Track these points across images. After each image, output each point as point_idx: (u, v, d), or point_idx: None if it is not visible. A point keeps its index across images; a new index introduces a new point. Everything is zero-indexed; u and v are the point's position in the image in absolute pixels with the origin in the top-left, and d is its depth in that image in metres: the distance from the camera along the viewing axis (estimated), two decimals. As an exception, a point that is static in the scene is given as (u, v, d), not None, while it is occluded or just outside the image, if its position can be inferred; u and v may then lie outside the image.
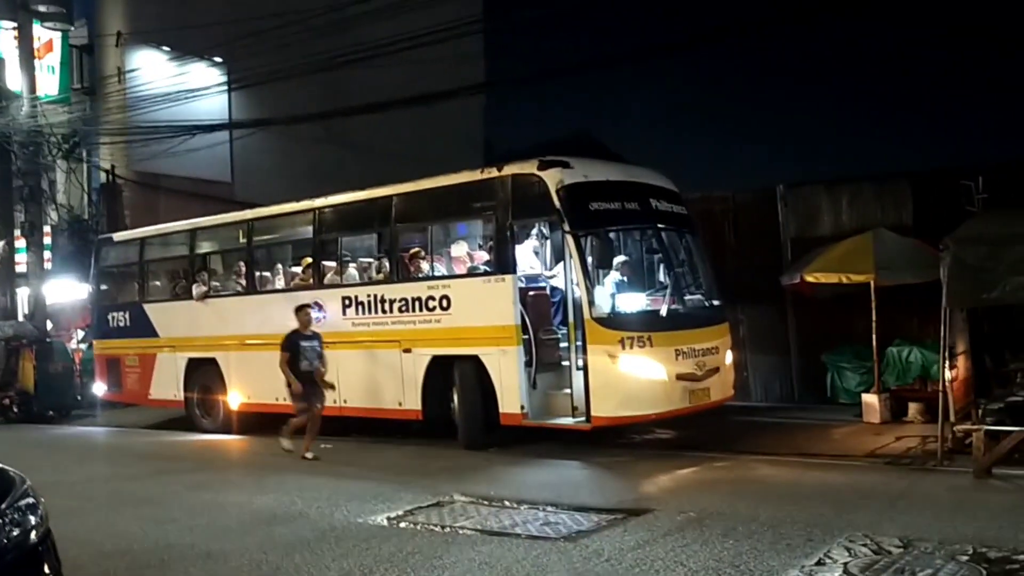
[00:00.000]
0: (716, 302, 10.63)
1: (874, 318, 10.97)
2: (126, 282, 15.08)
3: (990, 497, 7.22)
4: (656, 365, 9.36)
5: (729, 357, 10.48)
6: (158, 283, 14.58)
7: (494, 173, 10.14)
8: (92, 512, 8.01)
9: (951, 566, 5.31)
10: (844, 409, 11.65)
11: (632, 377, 9.27)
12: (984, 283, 8.18)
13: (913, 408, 10.93)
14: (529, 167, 9.85)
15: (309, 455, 10.11)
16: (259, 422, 12.32)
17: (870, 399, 11.11)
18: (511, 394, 9.74)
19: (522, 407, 9.69)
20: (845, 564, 5.41)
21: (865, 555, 5.59)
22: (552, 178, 9.62)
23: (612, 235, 10.12)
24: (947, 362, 8.74)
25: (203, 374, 13.19)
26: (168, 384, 13.66)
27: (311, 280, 12.10)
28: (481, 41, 23.97)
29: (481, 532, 6.67)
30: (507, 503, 7.54)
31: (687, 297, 10.31)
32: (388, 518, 7.24)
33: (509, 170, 10.02)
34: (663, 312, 9.83)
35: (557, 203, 9.53)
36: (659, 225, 10.38)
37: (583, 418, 9.38)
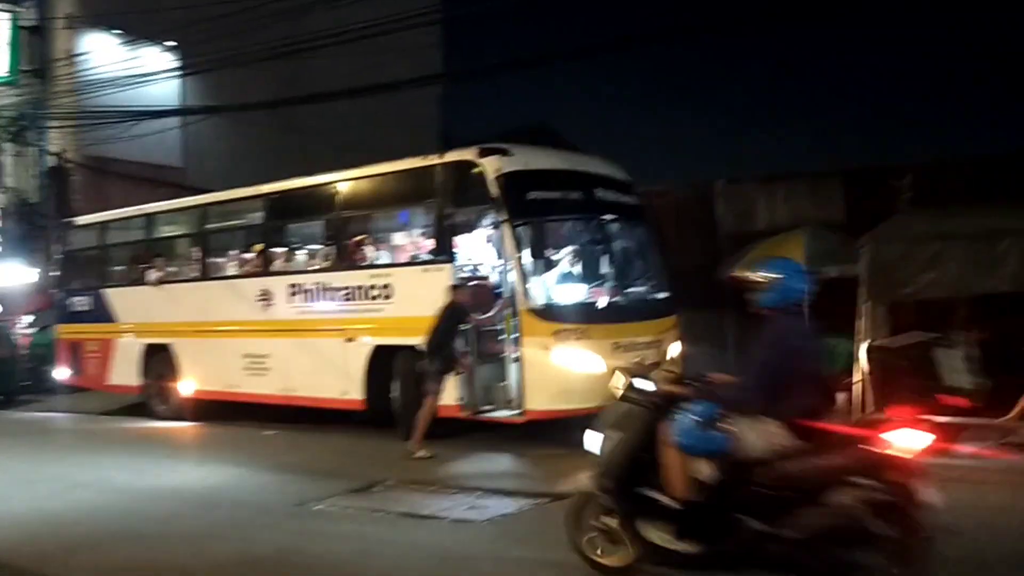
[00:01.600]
0: (663, 295, 10.52)
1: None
2: (88, 266, 15.00)
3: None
4: (593, 358, 9.20)
5: (675, 351, 10.29)
6: (118, 268, 14.49)
7: (435, 160, 10.07)
8: (30, 496, 8.13)
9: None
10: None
11: (566, 370, 9.16)
12: (899, 279, 8.60)
13: (839, 398, 11.32)
14: (469, 154, 9.76)
15: (423, 453, 9.13)
16: (213, 410, 12.39)
17: (799, 389, 11.49)
18: (447, 386, 9.48)
19: (460, 399, 9.61)
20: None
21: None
22: (491, 165, 9.53)
23: (552, 225, 10.04)
24: (865, 355, 9.14)
25: (159, 360, 13.16)
26: (126, 370, 13.63)
27: (260, 267, 12.08)
28: (439, 31, 24.07)
29: (410, 516, 6.93)
30: (438, 488, 7.80)
31: (631, 289, 10.21)
32: (324, 502, 7.46)
33: (449, 157, 9.95)
34: (601, 304, 9.71)
35: (495, 191, 9.43)
36: (604, 215, 10.25)
37: (518, 411, 9.33)
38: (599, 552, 5.16)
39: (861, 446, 4.39)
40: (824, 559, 4.35)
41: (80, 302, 14.67)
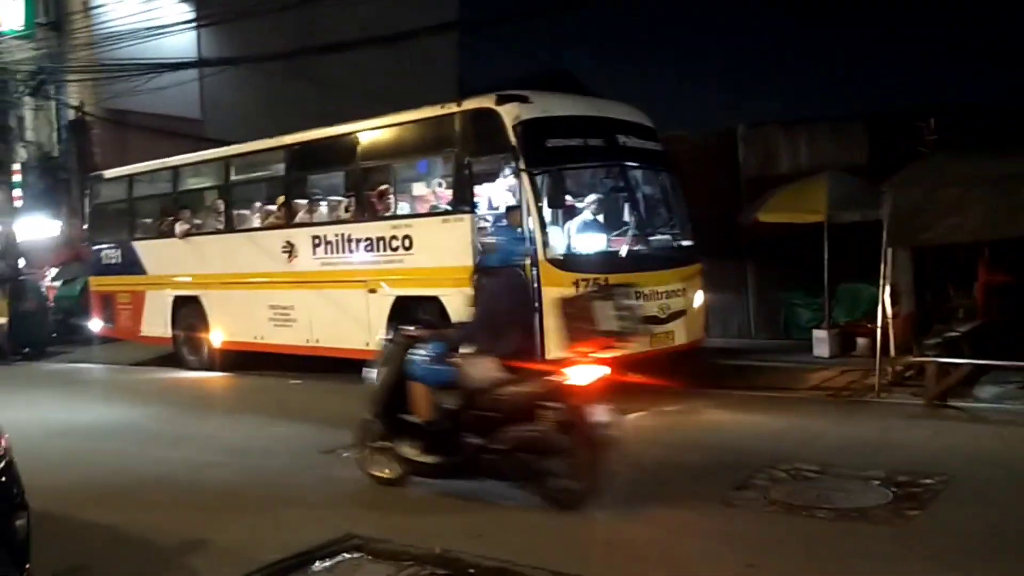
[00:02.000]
0: (686, 243, 10.35)
1: (826, 256, 11.32)
2: (117, 219, 15.07)
3: (913, 428, 7.65)
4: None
5: (699, 299, 10.18)
6: (146, 220, 14.55)
7: (453, 108, 9.92)
8: (66, 445, 8.33)
9: (861, 489, 5.74)
10: (797, 345, 12.06)
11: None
12: (921, 224, 8.51)
13: (861, 343, 11.33)
14: (487, 102, 9.59)
15: None
16: (241, 360, 12.54)
17: (820, 334, 11.54)
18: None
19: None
20: (765, 489, 5.84)
21: (785, 480, 6.02)
22: (508, 113, 9.34)
23: (572, 173, 9.86)
24: (888, 299, 9.13)
25: (188, 312, 13.28)
26: (157, 321, 13.77)
27: (283, 219, 12.13)
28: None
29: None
30: (462, 435, 7.90)
31: (653, 238, 10.03)
32: (347, 450, 7.58)
33: (467, 105, 9.80)
34: (622, 253, 9.60)
35: (512, 139, 9.24)
36: (626, 163, 10.06)
37: (539, 360, 9.11)
38: (377, 469, 6.29)
39: (548, 379, 5.58)
40: (522, 466, 5.61)
41: (111, 255, 14.79)
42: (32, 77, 19.60)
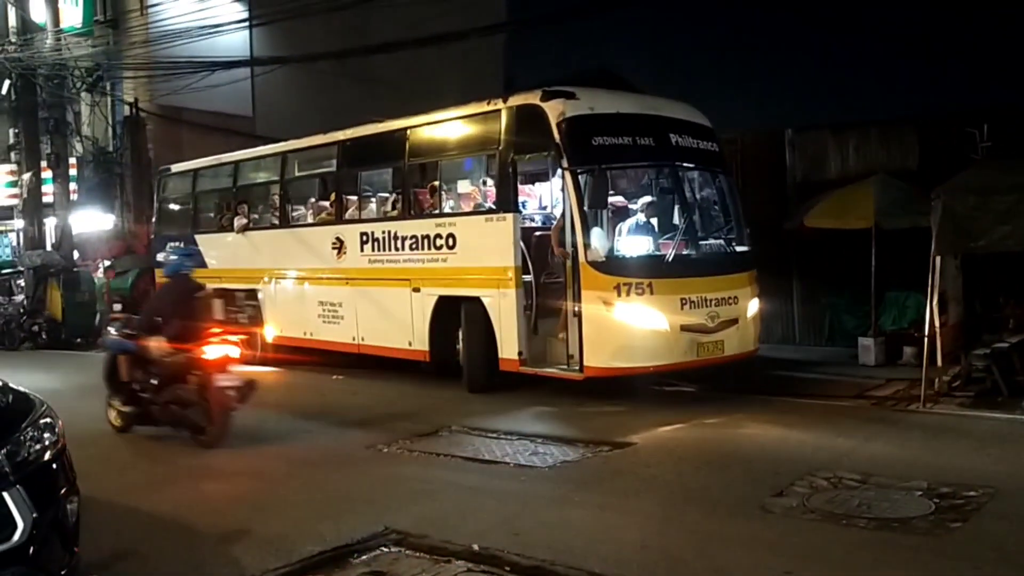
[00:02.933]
0: (740, 248, 9.92)
1: (873, 263, 11.17)
2: (182, 213, 15.26)
3: (959, 438, 7.52)
4: (656, 314, 8.76)
5: (753, 308, 9.68)
6: (208, 214, 14.68)
7: (499, 105, 9.71)
8: (111, 433, 8.53)
9: (903, 499, 5.67)
10: (842, 352, 11.92)
11: (628, 326, 8.73)
12: (972, 232, 8.38)
13: (908, 352, 11.17)
14: (532, 98, 9.37)
15: None
16: (295, 356, 12.57)
17: (866, 342, 11.40)
18: (509, 339, 9.44)
19: (519, 353, 9.37)
20: (804, 496, 5.79)
21: (825, 488, 5.97)
22: (553, 110, 9.10)
23: (618, 173, 9.64)
24: (936, 307, 8.97)
25: (246, 307, 13.34)
26: (216, 315, 13.93)
27: (333, 215, 12.10)
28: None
29: (472, 460, 7.11)
30: (501, 435, 7.95)
31: (704, 242, 9.64)
32: (388, 445, 7.69)
33: (513, 101, 9.59)
34: (668, 257, 9.16)
35: (556, 136, 8.99)
36: (677, 162, 9.67)
37: (577, 368, 8.95)
38: (112, 420, 8.50)
39: (191, 354, 7.67)
40: (174, 415, 7.87)
41: (175, 248, 14.95)
42: (89, 73, 20.02)
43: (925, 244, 8.85)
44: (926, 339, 8.94)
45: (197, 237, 14.33)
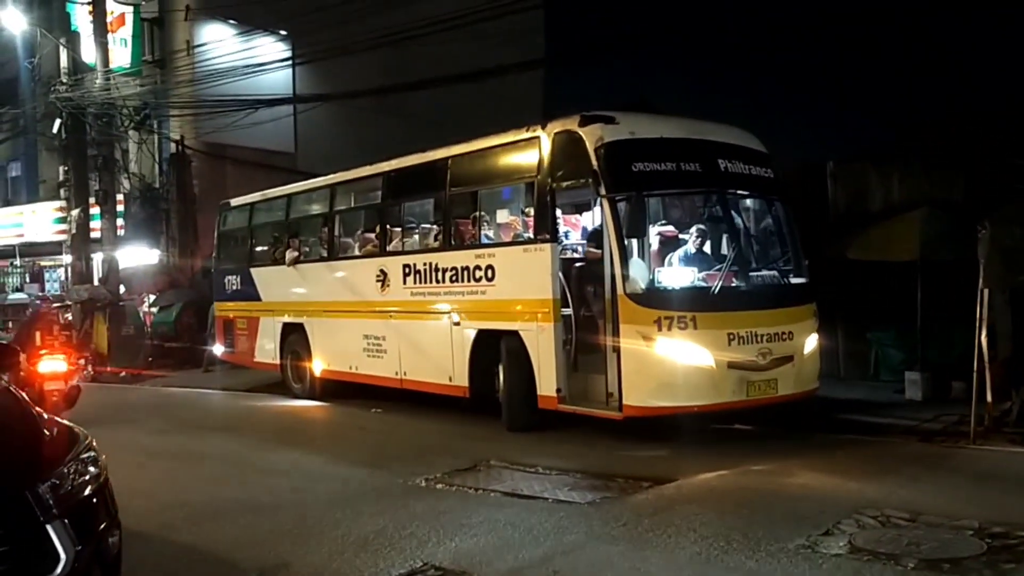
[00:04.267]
0: (797, 280, 9.37)
1: (919, 296, 10.99)
2: (239, 246, 15.39)
3: (1011, 476, 7.32)
4: (700, 350, 8.27)
5: (811, 344, 9.07)
6: (262, 248, 14.73)
7: (536, 131, 9.44)
8: (156, 467, 8.61)
9: (954, 539, 5.51)
10: (887, 386, 11.69)
11: (670, 363, 8.26)
12: (1021, 264, 8.23)
13: (956, 387, 10.91)
14: (570, 123, 9.04)
15: None
16: (342, 390, 12.58)
17: (913, 377, 11.17)
18: (548, 375, 9.09)
19: (558, 390, 9.01)
20: (851, 535, 5.65)
21: (872, 527, 5.82)
22: (591, 135, 8.76)
23: (659, 200, 9.32)
24: (985, 342, 8.78)
25: (295, 339, 13.34)
26: (268, 348, 13.90)
27: (377, 247, 11.94)
28: (541, 14, 24.08)
29: (510, 495, 7.05)
30: (539, 469, 7.88)
31: (755, 274, 9.13)
32: (426, 479, 7.66)
33: (551, 128, 9.28)
34: (715, 290, 8.63)
35: (594, 162, 8.64)
36: (727, 190, 9.20)
37: (616, 407, 8.52)
38: None
39: (25, 365, 9.11)
40: None
41: (233, 281, 15.07)
42: (137, 112, 20.54)
43: (973, 277, 8.69)
44: (975, 374, 8.74)
45: (252, 271, 14.45)
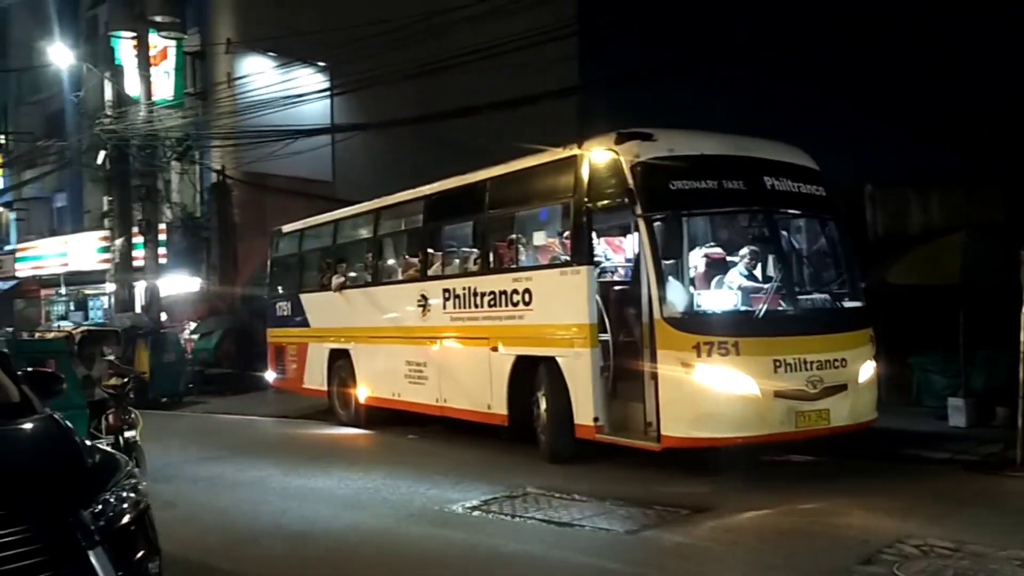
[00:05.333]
0: (850, 304, 8.98)
1: (961, 320, 10.81)
2: (290, 273, 15.52)
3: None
4: (743, 378, 7.86)
5: (867, 372, 8.66)
6: (311, 274, 14.74)
7: (573, 151, 9.21)
8: (196, 493, 8.69)
9: (1001, 569, 5.39)
10: (930, 412, 11.49)
11: (710, 391, 7.86)
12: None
13: (1001, 413, 10.71)
14: (606, 142, 8.80)
15: None
16: (388, 417, 12.52)
17: (956, 403, 10.98)
18: (585, 403, 8.76)
19: (595, 419, 8.65)
20: (895, 565, 5.54)
21: (915, 556, 5.70)
22: (627, 152, 8.50)
23: (700, 220, 9.05)
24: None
25: (341, 365, 13.27)
26: (316, 374, 13.84)
27: (417, 272, 11.85)
28: (576, 43, 24.22)
29: (548, 522, 7.00)
30: (577, 496, 7.81)
31: (804, 296, 8.75)
32: (463, 507, 7.64)
33: (587, 147, 9.03)
34: (759, 313, 8.23)
35: (631, 181, 8.35)
36: (774, 208, 8.83)
37: (654, 437, 8.16)
38: None
39: None
40: None
41: (283, 307, 15.15)
42: (179, 143, 20.94)
43: (1016, 301, 8.54)
44: (1020, 400, 8.57)
45: (302, 297, 14.49)
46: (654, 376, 8.14)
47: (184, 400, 18.00)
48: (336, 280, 13.50)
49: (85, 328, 19.50)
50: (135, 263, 20.27)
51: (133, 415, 9.03)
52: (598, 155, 8.87)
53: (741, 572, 5.55)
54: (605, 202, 8.92)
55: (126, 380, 9.61)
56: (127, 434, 8.81)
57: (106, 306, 24.03)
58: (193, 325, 21.32)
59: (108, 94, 20.79)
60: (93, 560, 3.82)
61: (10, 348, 10.03)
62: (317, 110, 20.86)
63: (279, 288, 15.59)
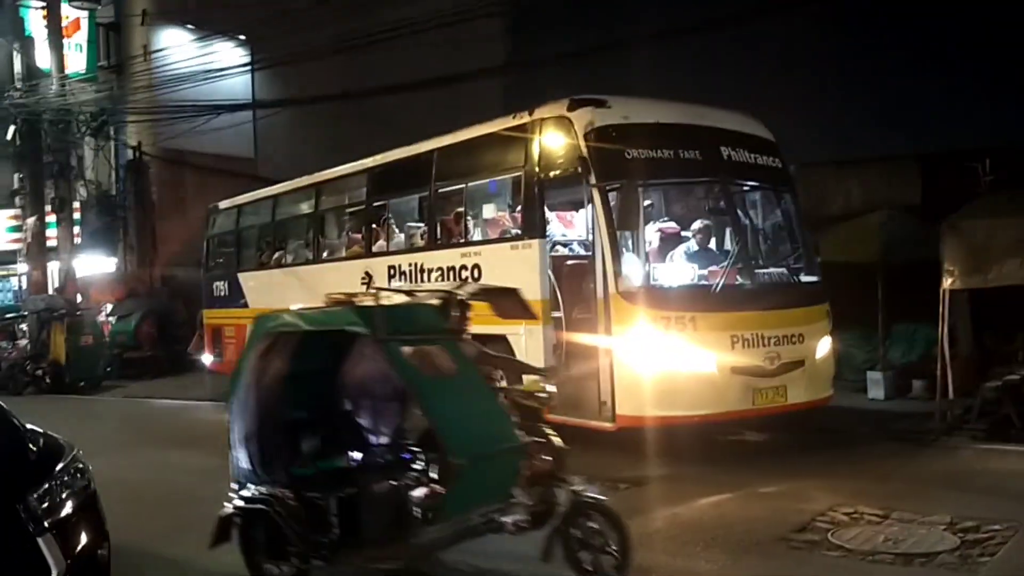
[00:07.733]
0: (807, 278, 8.83)
1: (880, 296, 11.20)
2: (226, 251, 15.09)
3: (976, 471, 7.51)
4: (701, 353, 7.65)
5: (824, 348, 8.50)
6: (249, 251, 14.40)
7: (524, 118, 8.78)
8: (129, 479, 8.47)
9: (928, 534, 5.65)
10: (850, 386, 11.89)
11: (667, 368, 7.60)
12: (979, 265, 8.43)
13: (917, 386, 11.17)
14: (559, 108, 8.41)
15: None
16: None
17: (875, 376, 11.41)
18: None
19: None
20: (827, 531, 5.77)
21: (846, 524, 5.94)
22: (580, 119, 8.16)
23: (656, 191, 8.81)
24: (946, 341, 8.99)
25: None
26: None
27: (361, 248, 11.44)
28: (504, 21, 24.13)
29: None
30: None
31: (761, 271, 8.55)
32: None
33: (539, 113, 8.63)
34: (716, 287, 8.03)
35: (584, 149, 8.01)
36: (730, 179, 8.58)
37: (608, 417, 7.84)
38: None
39: None
40: None
41: (220, 287, 14.71)
42: (94, 118, 20.22)
43: (933, 277, 8.88)
44: (938, 373, 8.95)
45: (240, 275, 14.08)
46: (608, 353, 7.87)
47: (103, 384, 17.49)
48: (276, 257, 13.17)
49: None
50: (48, 243, 19.54)
51: None
52: (550, 122, 8.51)
53: (681, 544, 5.66)
54: (557, 172, 8.56)
55: None
56: None
57: (17, 288, 23.11)
58: (110, 307, 20.70)
59: (17, 67, 19.89)
60: (43, 546, 3.74)
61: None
62: (238, 85, 20.37)
63: (216, 268, 15.20)
